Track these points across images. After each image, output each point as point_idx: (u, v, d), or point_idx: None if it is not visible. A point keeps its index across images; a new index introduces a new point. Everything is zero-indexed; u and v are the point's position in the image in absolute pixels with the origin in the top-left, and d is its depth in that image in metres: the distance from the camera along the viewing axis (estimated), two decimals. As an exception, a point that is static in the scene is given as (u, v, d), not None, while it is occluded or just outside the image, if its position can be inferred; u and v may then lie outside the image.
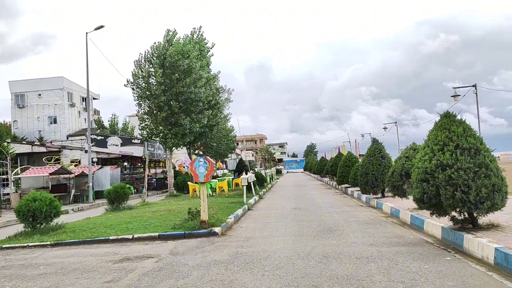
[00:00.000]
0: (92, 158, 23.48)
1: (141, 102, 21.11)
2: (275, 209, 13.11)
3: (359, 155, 31.35)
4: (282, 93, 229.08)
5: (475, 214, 6.41)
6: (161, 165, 35.69)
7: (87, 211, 16.88)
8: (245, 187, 14.89)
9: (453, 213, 6.53)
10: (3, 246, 8.42)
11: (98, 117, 47.18)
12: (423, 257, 5.63)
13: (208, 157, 9.24)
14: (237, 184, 21.67)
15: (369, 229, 8.15)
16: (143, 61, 20.74)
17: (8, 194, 19.67)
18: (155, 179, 32.22)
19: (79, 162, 27.95)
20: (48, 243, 8.36)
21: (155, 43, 20.64)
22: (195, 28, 22.46)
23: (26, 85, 44.60)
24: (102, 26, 20.84)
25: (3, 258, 7.43)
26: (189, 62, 19.73)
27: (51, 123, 44.26)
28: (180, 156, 35.58)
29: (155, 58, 20.28)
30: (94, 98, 49.61)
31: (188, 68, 19.84)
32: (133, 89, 20.93)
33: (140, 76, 20.64)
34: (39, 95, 44.51)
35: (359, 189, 14.85)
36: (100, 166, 25.05)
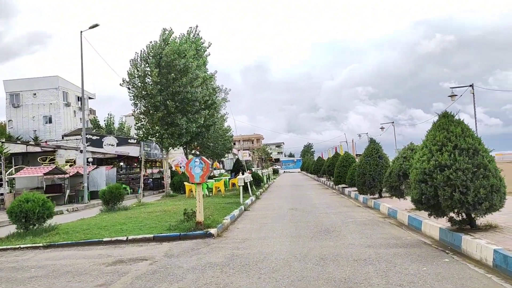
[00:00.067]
0: (87, 158, 23.26)
1: (137, 102, 20.93)
2: (272, 209, 13.02)
3: (356, 155, 31.33)
4: (279, 93, 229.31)
5: (473, 215, 6.35)
6: (157, 165, 35.51)
7: (82, 212, 16.70)
8: (241, 188, 14.79)
9: (451, 214, 6.47)
10: (-5, 248, 8.27)
11: (94, 117, 46.93)
12: (421, 259, 5.55)
13: (204, 157, 9.13)
14: (233, 184, 21.56)
15: (366, 230, 8.07)
16: (139, 60, 20.57)
17: (2, 194, 19.45)
18: (151, 179, 32.01)
19: (74, 162, 27.70)
20: (41, 244, 8.22)
21: (151, 42, 20.48)
22: (191, 27, 22.32)
23: (21, 84, 44.26)
24: (97, 25, 20.65)
25: (-6, 260, 7.28)
26: (185, 61, 19.58)
27: (46, 122, 43.95)
28: (176, 156, 35.40)
29: (151, 58, 20.12)
30: (89, 98, 49.34)
31: (185, 67, 19.69)
32: (129, 88, 20.75)
33: (136, 76, 20.47)
34: (34, 94, 44.18)
35: (356, 189, 14.78)
36: (95, 166, 24.83)
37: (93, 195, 21.48)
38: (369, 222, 9.16)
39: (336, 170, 19.99)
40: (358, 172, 13.40)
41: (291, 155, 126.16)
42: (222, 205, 13.20)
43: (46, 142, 34.88)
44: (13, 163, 26.19)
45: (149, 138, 22.19)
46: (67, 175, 20.86)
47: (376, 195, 13.24)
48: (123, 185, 23.75)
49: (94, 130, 39.12)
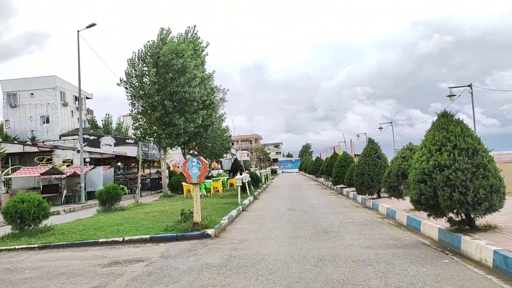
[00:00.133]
0: (84, 158, 23.15)
1: (134, 102, 20.85)
2: (270, 210, 12.95)
3: (355, 155, 31.33)
4: (278, 93, 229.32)
5: (472, 216, 6.30)
6: (155, 165, 35.37)
7: (79, 212, 16.59)
8: (239, 188, 14.72)
9: (450, 215, 6.41)
10: (-11, 249, 8.16)
11: (91, 117, 46.75)
12: (420, 259, 5.49)
13: (201, 157, 9.05)
14: (232, 185, 21.47)
15: (365, 231, 8.01)
16: (136, 60, 20.48)
17: (-2, 194, 19.31)
18: (149, 180, 31.91)
19: (72, 162, 27.58)
20: (36, 245, 8.13)
21: (149, 41, 20.41)
22: (189, 27, 22.26)
23: (19, 84, 44.03)
24: (94, 24, 20.53)
25: (-12, 261, 7.18)
26: (183, 61, 19.50)
27: (43, 122, 43.73)
28: (174, 156, 35.30)
29: (148, 57, 20.03)
30: (87, 98, 49.13)
31: (182, 67, 19.61)
32: (126, 88, 20.66)
33: (134, 75, 20.38)
34: (32, 94, 43.96)
35: (354, 189, 14.73)
36: (92, 166, 24.72)
37: (91, 195, 21.35)
38: (368, 223, 9.10)
39: (334, 170, 19.93)
40: (357, 172, 13.34)
41: (289, 155, 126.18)
42: (219, 206, 13.12)
43: (43, 142, 34.72)
44: (9, 163, 26.06)
45: (146, 138, 22.09)
46: (64, 175, 20.75)
47: (375, 195, 13.18)
48: (121, 186, 23.65)
49: (92, 130, 38.93)
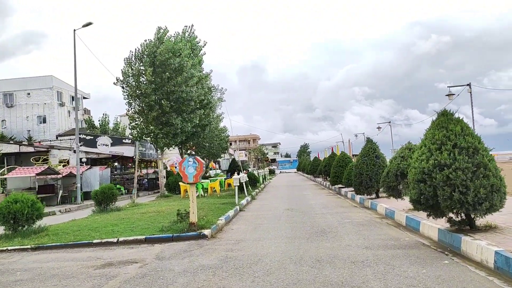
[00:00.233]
0: (81, 158, 22.94)
1: (131, 101, 20.65)
2: (268, 210, 12.84)
3: (353, 155, 31.27)
4: (276, 93, 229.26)
5: (473, 216, 6.19)
6: (153, 165, 35.21)
7: (74, 213, 16.42)
8: (237, 188, 14.59)
9: (450, 215, 6.31)
10: (-19, 250, 8.00)
11: (88, 117, 46.48)
12: (420, 260, 5.39)
13: (198, 157, 8.92)
14: (229, 185, 21.34)
15: (363, 231, 7.90)
16: (133, 59, 20.30)
17: (-7, 195, 19.10)
18: (146, 180, 31.73)
19: (68, 162, 27.36)
20: (29, 246, 7.99)
21: (145, 40, 20.22)
22: (187, 26, 22.08)
23: (15, 84, 43.73)
24: (90, 23, 20.36)
25: (-21, 263, 7.03)
26: (180, 60, 19.34)
27: (40, 122, 43.44)
28: (172, 157, 35.12)
29: (145, 56, 19.86)
30: (84, 98, 48.86)
31: (179, 66, 19.45)
32: (123, 87, 20.47)
33: (130, 74, 20.20)
34: (28, 94, 43.67)
35: (353, 189, 14.62)
36: (89, 166, 24.52)
37: (87, 195, 21.15)
38: (366, 223, 8.99)
39: (332, 170, 19.83)
40: (355, 172, 13.24)
41: (287, 156, 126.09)
42: (217, 206, 13.00)
43: (39, 142, 34.48)
44: (5, 163, 25.82)
45: (143, 138, 21.91)
46: (60, 176, 20.55)
47: (373, 195, 13.09)
48: (118, 186, 23.50)
49: (89, 130, 38.71)
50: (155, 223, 9.65)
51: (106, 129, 40.93)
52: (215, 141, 34.41)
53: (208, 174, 30.69)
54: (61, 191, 20.22)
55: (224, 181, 22.24)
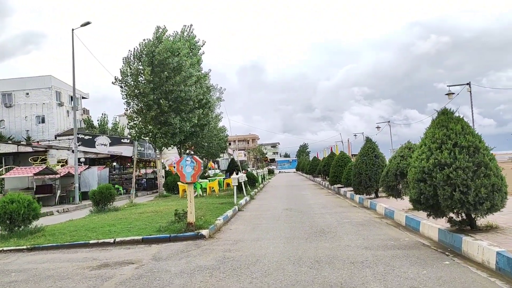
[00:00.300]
0: (79, 158, 22.85)
1: (129, 101, 20.56)
2: (266, 210, 12.76)
3: (352, 155, 31.18)
4: (275, 93, 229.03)
5: (473, 216, 6.12)
6: (151, 165, 35.08)
7: (72, 213, 16.32)
8: (235, 188, 14.51)
9: (451, 214, 6.23)
10: (-24, 251, 7.91)
11: (87, 117, 46.33)
12: (420, 261, 5.31)
13: (196, 156, 8.84)
14: (228, 184, 21.25)
15: (363, 231, 7.83)
16: (131, 58, 20.21)
17: (-10, 195, 18.98)
18: (145, 180, 31.61)
19: (66, 162, 27.25)
20: (25, 247, 7.89)
21: (144, 40, 20.13)
22: (185, 25, 22.00)
23: (14, 84, 43.60)
24: (88, 23, 20.26)
25: (-27, 264, 6.94)
26: (178, 59, 19.26)
27: (39, 122, 43.32)
28: (170, 156, 35.04)
29: (144, 56, 19.76)
30: (83, 97, 48.73)
31: (178, 66, 19.37)
32: (121, 87, 20.38)
33: (129, 74, 20.10)
34: (27, 94, 43.55)
35: (352, 189, 14.56)
36: (87, 166, 24.42)
37: (85, 195, 21.04)
38: (366, 223, 8.92)
39: (331, 170, 19.77)
40: (354, 172, 13.17)
41: (286, 155, 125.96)
42: (215, 206, 12.92)
43: (38, 142, 34.37)
44: (3, 163, 25.72)
45: (142, 137, 21.82)
46: (58, 176, 20.45)
47: (373, 195, 13.02)
48: (116, 186, 23.38)
49: (87, 130, 38.57)
50: (152, 223, 9.57)
51: (105, 129, 40.78)
52: (214, 140, 34.32)
53: (207, 174, 30.61)
54: (59, 191, 20.12)
55: (223, 181, 22.16)
